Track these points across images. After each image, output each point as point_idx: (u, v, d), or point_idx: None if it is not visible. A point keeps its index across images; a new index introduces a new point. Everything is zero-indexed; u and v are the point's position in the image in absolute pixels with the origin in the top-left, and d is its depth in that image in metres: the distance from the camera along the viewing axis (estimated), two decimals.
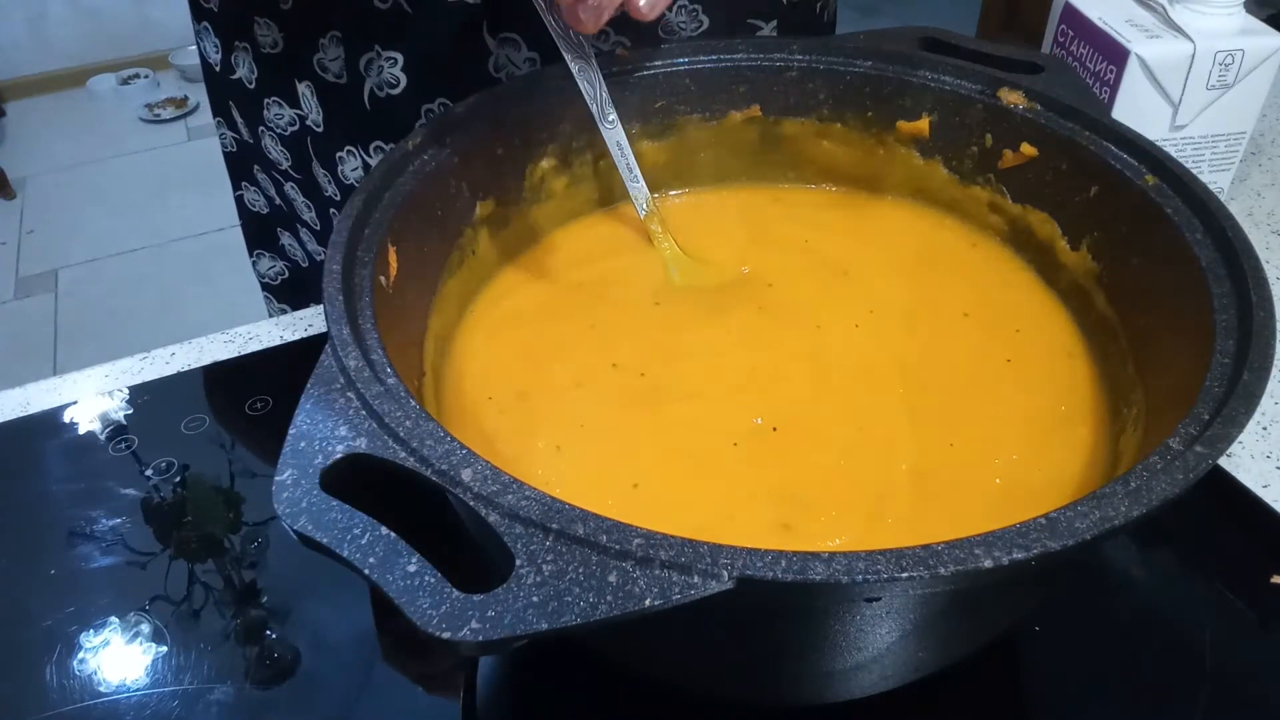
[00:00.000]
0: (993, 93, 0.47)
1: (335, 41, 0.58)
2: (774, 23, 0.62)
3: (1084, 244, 0.44)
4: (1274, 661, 0.40)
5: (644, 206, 0.49)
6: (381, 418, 0.29)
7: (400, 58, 0.57)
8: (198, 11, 0.65)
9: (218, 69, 0.66)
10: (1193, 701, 0.38)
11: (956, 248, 0.50)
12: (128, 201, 2.48)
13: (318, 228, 0.69)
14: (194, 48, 0.68)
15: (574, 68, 0.46)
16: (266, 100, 0.64)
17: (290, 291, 0.77)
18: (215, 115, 0.71)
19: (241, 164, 0.71)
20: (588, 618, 0.24)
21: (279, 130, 0.65)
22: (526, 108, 0.48)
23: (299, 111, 0.63)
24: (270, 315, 0.77)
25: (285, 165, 0.67)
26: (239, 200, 0.74)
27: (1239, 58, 0.58)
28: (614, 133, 0.48)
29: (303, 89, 0.61)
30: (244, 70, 0.63)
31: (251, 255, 0.76)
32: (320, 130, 0.62)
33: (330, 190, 0.65)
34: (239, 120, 0.68)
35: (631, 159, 0.48)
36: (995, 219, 0.49)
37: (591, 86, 0.47)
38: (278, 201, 0.71)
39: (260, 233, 0.75)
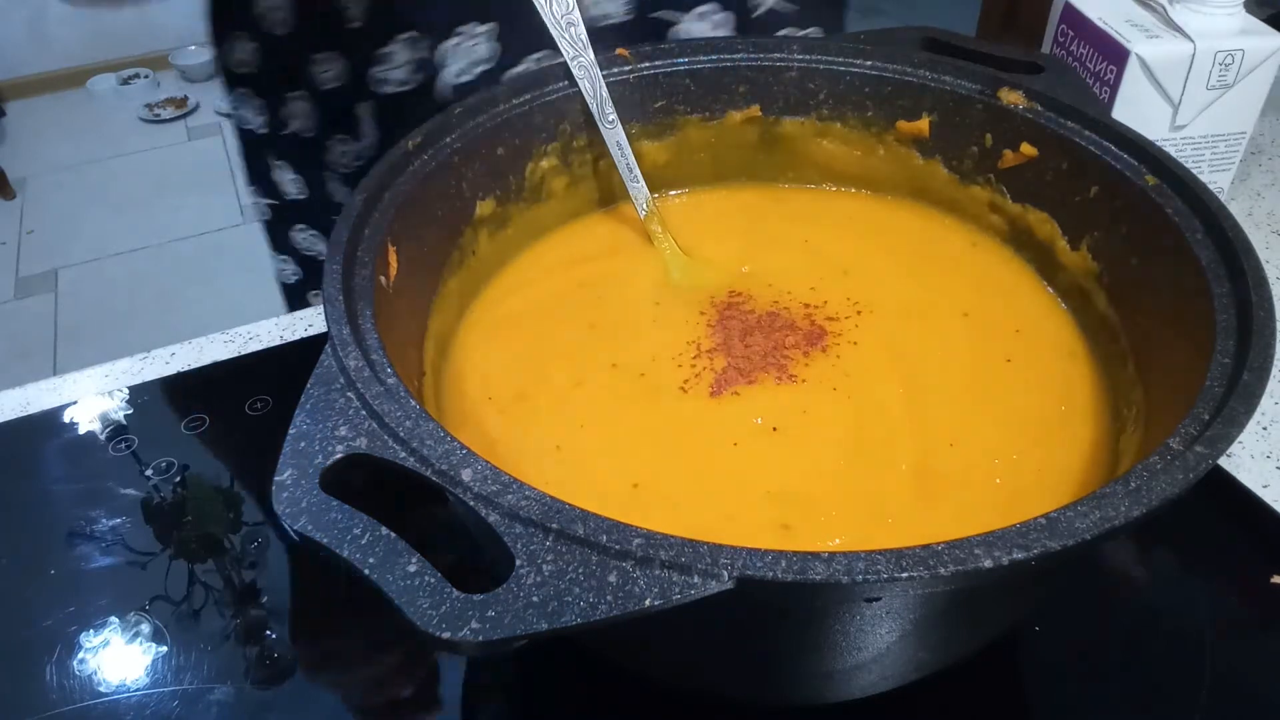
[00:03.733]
0: (993, 93, 0.47)
1: (408, 44, 0.55)
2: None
3: (1084, 244, 0.44)
4: (1274, 661, 0.40)
5: (644, 206, 0.49)
6: (381, 418, 0.29)
7: (486, 33, 0.54)
8: (232, 79, 0.62)
9: (261, 132, 0.62)
10: (1193, 701, 0.38)
11: (956, 248, 0.50)
12: (128, 201, 2.48)
13: None
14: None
15: (574, 67, 0.46)
16: (328, 143, 0.61)
17: None
18: (251, 183, 0.66)
19: (288, 223, 0.67)
20: (588, 618, 0.24)
21: (343, 169, 0.62)
22: (526, 107, 0.48)
23: (362, 145, 0.61)
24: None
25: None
26: (293, 250, 0.69)
27: (1239, 58, 0.58)
28: (614, 133, 0.48)
29: (361, 112, 0.59)
30: (299, 123, 0.61)
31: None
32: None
33: None
34: (290, 178, 0.64)
35: (631, 159, 0.48)
36: (995, 219, 0.49)
37: (591, 86, 0.47)
38: None
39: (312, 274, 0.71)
